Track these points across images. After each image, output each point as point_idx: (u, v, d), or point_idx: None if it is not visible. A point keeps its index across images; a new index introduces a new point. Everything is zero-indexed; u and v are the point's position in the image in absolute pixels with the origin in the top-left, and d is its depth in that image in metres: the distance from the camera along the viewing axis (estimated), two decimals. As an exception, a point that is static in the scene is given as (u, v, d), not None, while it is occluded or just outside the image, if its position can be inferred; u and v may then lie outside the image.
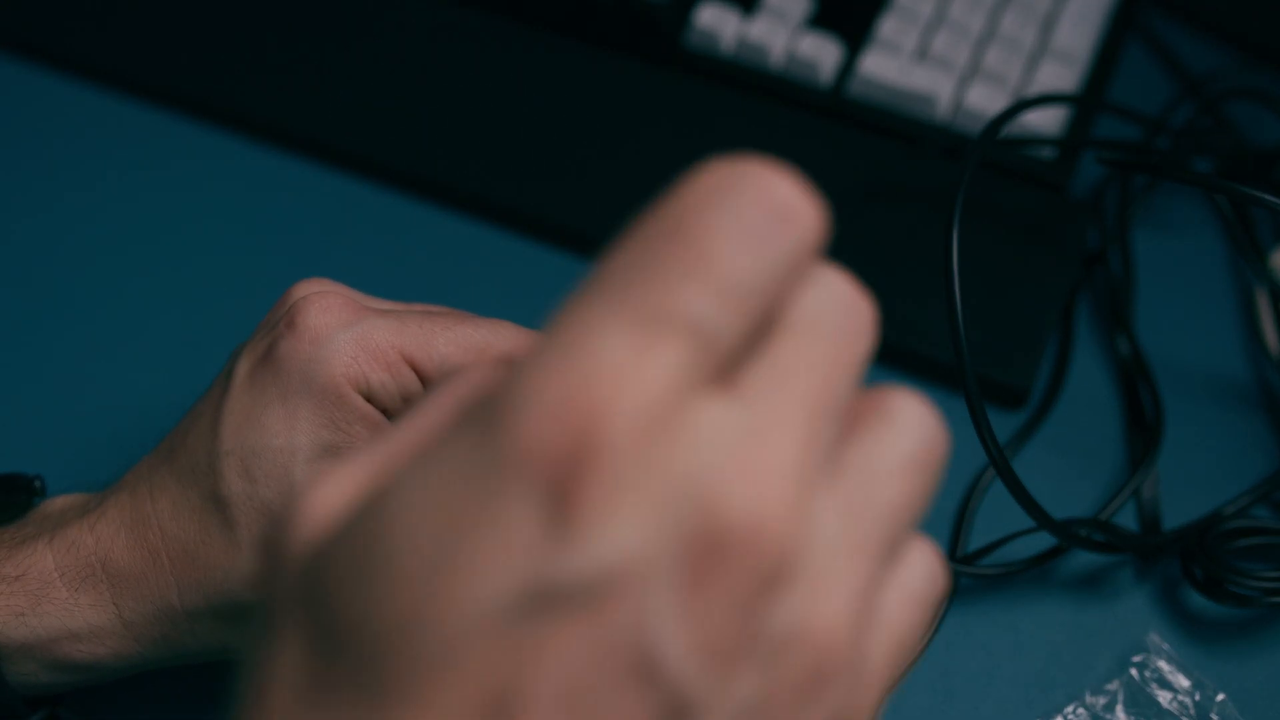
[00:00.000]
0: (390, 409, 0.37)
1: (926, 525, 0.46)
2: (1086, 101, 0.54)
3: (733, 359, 0.21)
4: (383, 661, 0.19)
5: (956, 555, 0.45)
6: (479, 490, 0.19)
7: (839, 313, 0.22)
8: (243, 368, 0.36)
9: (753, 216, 0.21)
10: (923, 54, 0.55)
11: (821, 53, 0.54)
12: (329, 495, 0.21)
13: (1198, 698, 0.42)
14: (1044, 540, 0.44)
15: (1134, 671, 0.42)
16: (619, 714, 0.19)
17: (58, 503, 0.39)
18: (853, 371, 0.22)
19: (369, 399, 0.36)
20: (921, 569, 0.24)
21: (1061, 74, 0.54)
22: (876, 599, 0.23)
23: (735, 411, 0.20)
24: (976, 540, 0.45)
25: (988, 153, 0.52)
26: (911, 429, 0.23)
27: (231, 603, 0.36)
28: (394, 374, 0.36)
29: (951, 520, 0.46)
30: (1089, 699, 0.42)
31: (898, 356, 0.49)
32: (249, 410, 0.36)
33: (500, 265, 0.52)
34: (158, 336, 0.50)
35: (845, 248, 0.51)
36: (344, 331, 0.36)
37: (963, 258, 0.42)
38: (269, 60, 0.56)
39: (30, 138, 0.56)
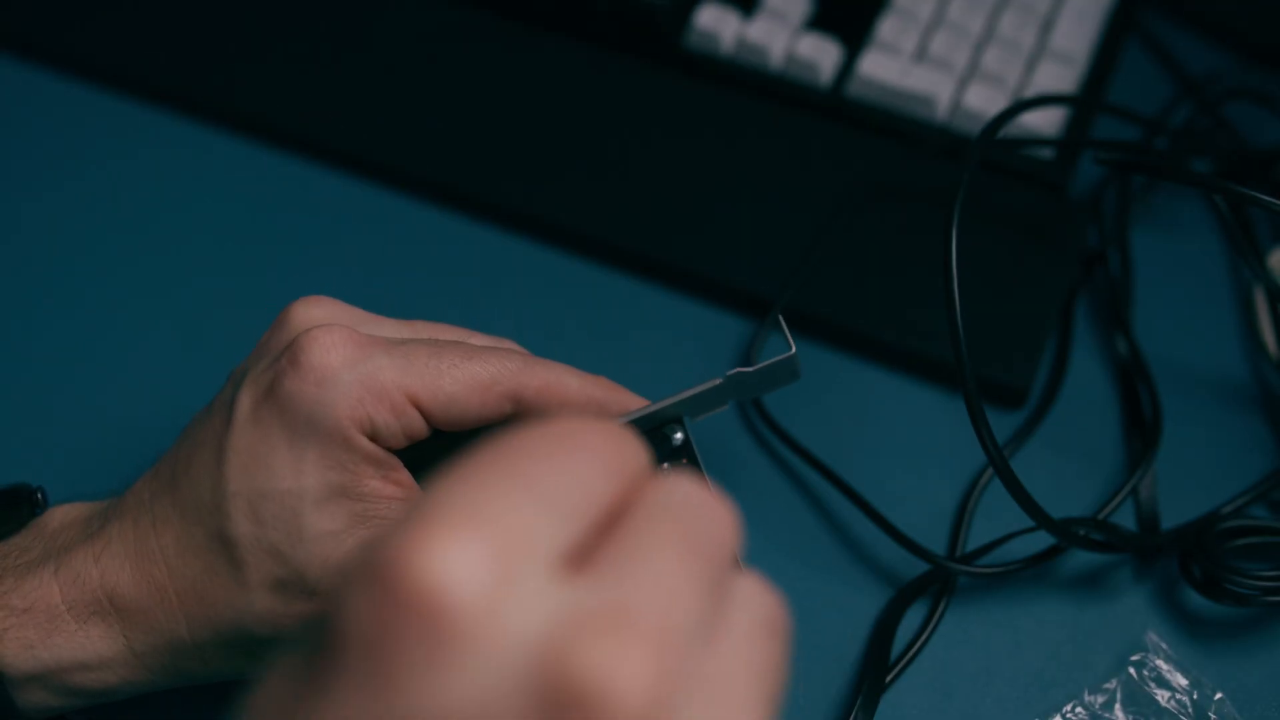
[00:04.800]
0: (395, 447, 0.36)
1: (927, 525, 0.46)
2: (1085, 102, 0.54)
3: (578, 551, 0.23)
4: None
5: (955, 554, 0.45)
6: (309, 681, 0.21)
7: (685, 505, 0.24)
8: (245, 402, 0.36)
9: (571, 447, 0.23)
10: (922, 55, 0.55)
11: (821, 53, 0.54)
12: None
13: (1196, 696, 0.42)
14: (1043, 539, 0.44)
15: (1132, 670, 0.42)
16: None
17: (58, 515, 0.38)
18: (703, 553, 0.23)
19: (374, 439, 0.36)
20: None
21: (1060, 74, 0.54)
22: None
23: (584, 587, 0.22)
24: (975, 540, 0.45)
25: (987, 153, 0.52)
26: (759, 604, 0.24)
27: (242, 635, 0.35)
28: (398, 415, 0.36)
29: (950, 520, 0.46)
30: (1087, 697, 0.42)
31: (898, 357, 0.49)
32: (255, 450, 0.35)
33: (500, 265, 0.52)
34: (157, 336, 0.50)
35: (845, 248, 0.51)
36: (349, 372, 0.35)
37: (962, 258, 0.42)
38: (269, 60, 0.56)
39: (30, 139, 0.56)
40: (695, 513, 0.24)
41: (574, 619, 0.21)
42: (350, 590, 0.21)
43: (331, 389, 0.35)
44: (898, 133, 0.54)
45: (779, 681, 0.24)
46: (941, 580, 0.44)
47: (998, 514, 0.46)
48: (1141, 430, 0.48)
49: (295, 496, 0.35)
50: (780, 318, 0.40)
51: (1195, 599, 0.44)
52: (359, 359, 0.35)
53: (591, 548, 0.23)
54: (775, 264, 0.50)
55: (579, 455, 0.23)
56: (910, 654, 0.43)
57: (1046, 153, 0.53)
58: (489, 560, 0.21)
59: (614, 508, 0.24)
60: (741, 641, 0.23)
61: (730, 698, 0.23)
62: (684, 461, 0.40)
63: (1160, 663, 0.42)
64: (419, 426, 0.36)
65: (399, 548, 0.21)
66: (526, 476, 0.22)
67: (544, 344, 0.42)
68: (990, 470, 0.47)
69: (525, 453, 0.23)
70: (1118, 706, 0.42)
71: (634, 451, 0.25)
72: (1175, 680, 0.42)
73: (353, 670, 0.20)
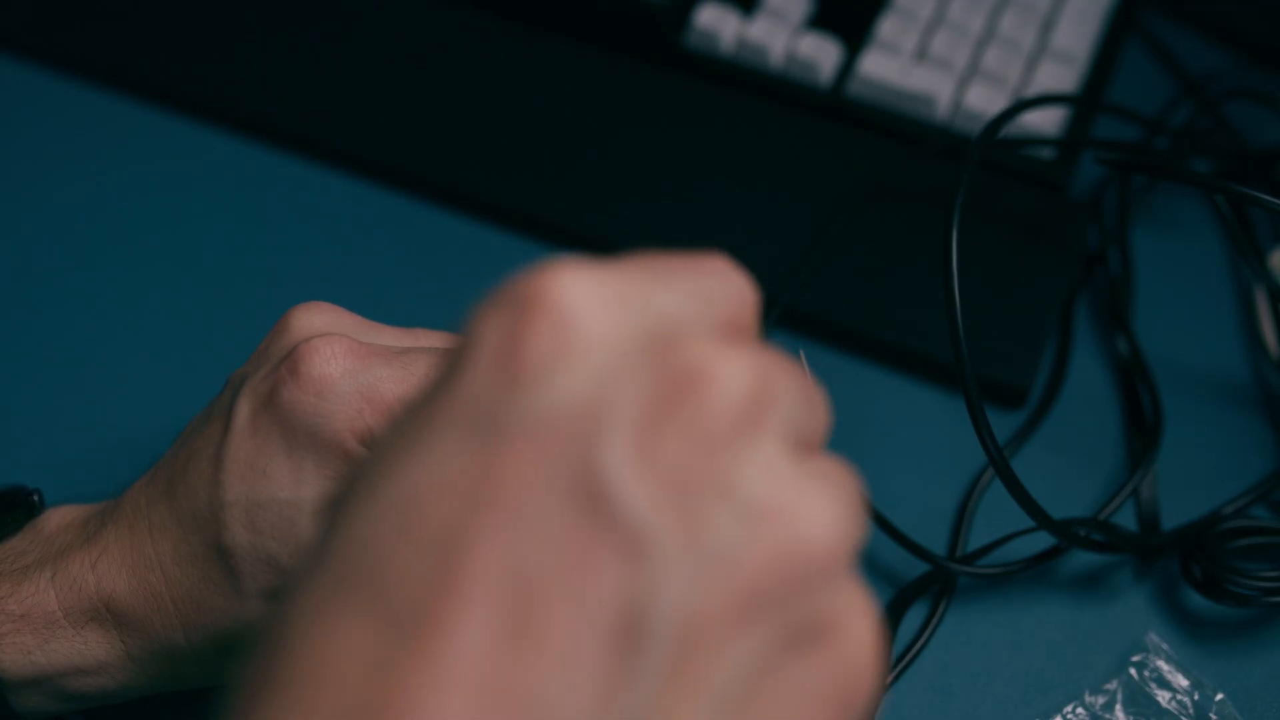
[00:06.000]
0: None
1: (927, 525, 0.46)
2: (1086, 102, 0.54)
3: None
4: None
5: (956, 555, 0.45)
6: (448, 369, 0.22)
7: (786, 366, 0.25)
8: (243, 410, 0.36)
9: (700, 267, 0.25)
10: (922, 54, 0.55)
11: (821, 53, 0.54)
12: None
13: (1196, 697, 0.42)
14: (1043, 540, 0.44)
15: (1133, 671, 0.42)
16: (573, 548, 0.20)
17: (55, 518, 0.38)
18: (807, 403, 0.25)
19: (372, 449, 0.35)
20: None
21: (1061, 74, 0.54)
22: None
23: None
24: (976, 540, 0.45)
25: (987, 153, 0.52)
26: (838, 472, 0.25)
27: (239, 642, 0.35)
28: None
29: (951, 520, 0.46)
30: (1088, 698, 0.42)
31: (898, 356, 0.49)
32: (253, 460, 0.35)
33: (500, 265, 0.52)
34: (155, 336, 0.50)
35: (845, 248, 0.51)
36: (349, 383, 0.35)
37: (962, 258, 0.42)
38: (269, 60, 0.56)
39: (30, 139, 0.56)
40: (795, 379, 0.25)
41: (691, 316, 0.23)
42: (481, 311, 0.22)
43: (331, 400, 0.35)
44: (898, 132, 0.54)
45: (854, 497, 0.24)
46: (941, 580, 0.44)
47: (998, 514, 0.46)
48: (1142, 430, 0.48)
49: (293, 506, 0.34)
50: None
51: (1196, 599, 0.44)
52: (359, 369, 0.35)
53: None
54: (775, 264, 0.50)
55: (708, 268, 0.24)
56: (910, 654, 0.43)
57: (1047, 153, 0.53)
58: (615, 289, 0.22)
59: (732, 322, 0.24)
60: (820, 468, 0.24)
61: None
62: None
63: (1161, 663, 0.42)
64: None
65: (529, 276, 0.22)
66: (653, 268, 0.24)
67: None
68: (990, 470, 0.47)
69: (657, 258, 0.24)
70: (1118, 707, 0.42)
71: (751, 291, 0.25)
72: (1176, 681, 0.42)
73: (484, 367, 0.21)
